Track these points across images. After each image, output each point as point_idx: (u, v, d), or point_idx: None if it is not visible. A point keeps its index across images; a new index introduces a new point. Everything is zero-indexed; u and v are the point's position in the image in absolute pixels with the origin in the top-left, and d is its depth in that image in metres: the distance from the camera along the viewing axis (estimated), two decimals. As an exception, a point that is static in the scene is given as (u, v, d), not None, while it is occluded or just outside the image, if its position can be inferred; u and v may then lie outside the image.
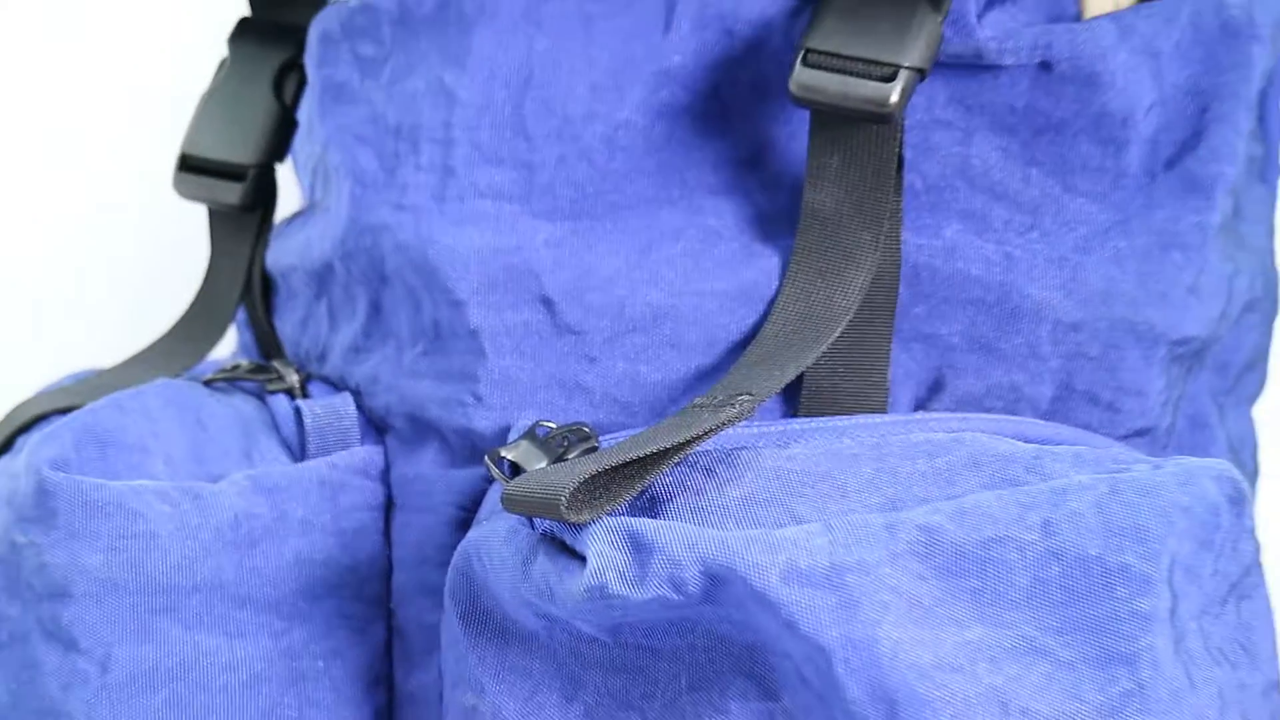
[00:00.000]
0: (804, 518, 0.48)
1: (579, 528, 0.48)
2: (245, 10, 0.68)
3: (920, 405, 0.57)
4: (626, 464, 0.48)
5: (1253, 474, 0.64)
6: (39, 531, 0.55)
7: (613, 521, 0.47)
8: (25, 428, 0.61)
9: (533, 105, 0.58)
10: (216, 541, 0.57)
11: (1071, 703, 0.46)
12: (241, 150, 0.66)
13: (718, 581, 0.46)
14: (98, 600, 0.56)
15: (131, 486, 0.56)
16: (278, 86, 0.66)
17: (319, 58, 0.63)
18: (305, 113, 0.65)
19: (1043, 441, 0.53)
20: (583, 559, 0.47)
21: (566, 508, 0.46)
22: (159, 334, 0.70)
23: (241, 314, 0.68)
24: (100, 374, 0.65)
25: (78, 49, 0.96)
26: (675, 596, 0.46)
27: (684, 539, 0.46)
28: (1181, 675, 0.47)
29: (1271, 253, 0.61)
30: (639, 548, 0.46)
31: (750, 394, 0.51)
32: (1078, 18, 0.57)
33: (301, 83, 0.66)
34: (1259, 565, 0.51)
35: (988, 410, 0.57)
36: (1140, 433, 0.56)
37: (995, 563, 0.47)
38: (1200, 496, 0.48)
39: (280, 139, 0.67)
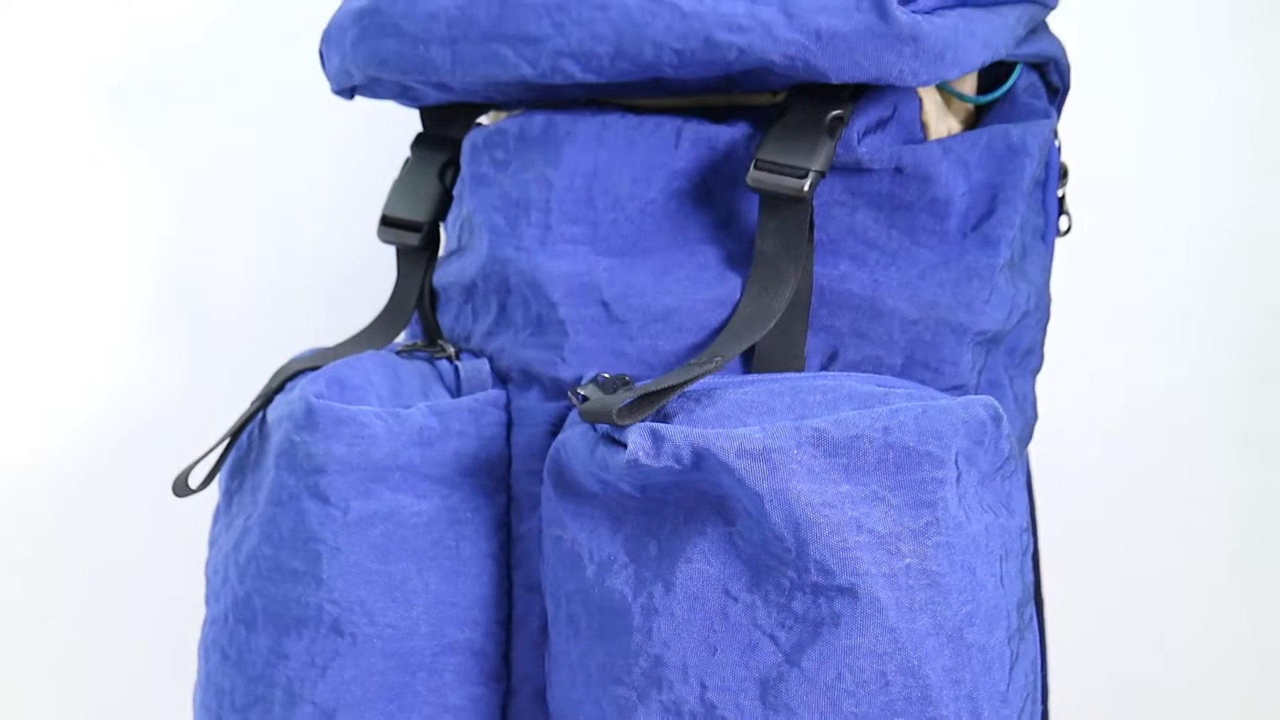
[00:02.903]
0: (749, 424, 0.59)
1: (623, 428, 0.58)
2: (420, 128, 0.79)
3: (823, 368, 0.66)
4: (650, 394, 0.59)
5: (1032, 418, 0.74)
6: (307, 434, 0.67)
7: (642, 424, 0.58)
8: (290, 378, 0.72)
9: (597, 189, 0.67)
10: (409, 442, 0.67)
11: (897, 527, 0.58)
12: (419, 212, 0.76)
13: (700, 457, 0.57)
14: (342, 474, 0.67)
15: (360, 409, 0.67)
16: (441, 175, 0.76)
17: (469, 159, 0.72)
18: (458, 191, 0.75)
19: (891, 387, 0.62)
20: (624, 445, 0.58)
21: (616, 417, 0.58)
22: (356, 327, 0.81)
23: (414, 314, 0.77)
24: (328, 349, 0.75)
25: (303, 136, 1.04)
26: (676, 466, 0.58)
27: (682, 433, 0.57)
28: (962, 515, 0.59)
29: (1046, 284, 0.73)
30: (657, 438, 0.58)
31: (721, 357, 0.61)
32: (924, 141, 0.67)
33: (456, 173, 0.76)
34: (1014, 458, 0.61)
35: (863, 371, 0.66)
36: (956, 387, 0.66)
37: (856, 449, 0.58)
38: (974, 414, 0.59)
39: (442, 207, 0.76)
